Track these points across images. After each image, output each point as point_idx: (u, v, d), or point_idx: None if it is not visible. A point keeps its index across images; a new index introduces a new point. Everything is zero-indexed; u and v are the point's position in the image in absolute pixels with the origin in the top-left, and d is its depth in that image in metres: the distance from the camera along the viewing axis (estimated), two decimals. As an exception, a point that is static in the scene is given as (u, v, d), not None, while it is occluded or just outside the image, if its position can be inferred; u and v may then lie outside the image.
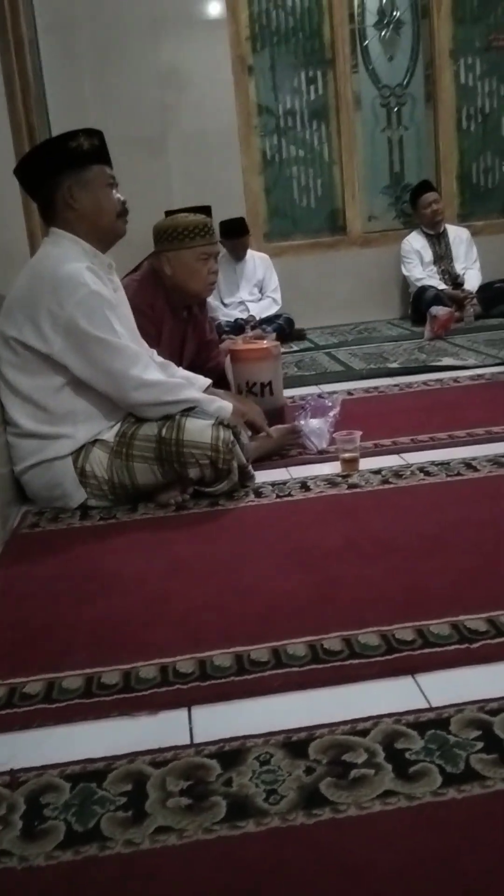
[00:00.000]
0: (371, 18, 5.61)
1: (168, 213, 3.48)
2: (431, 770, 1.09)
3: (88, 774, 1.14)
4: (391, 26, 5.63)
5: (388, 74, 5.68)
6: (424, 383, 3.57)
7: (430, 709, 1.22)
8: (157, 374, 2.23)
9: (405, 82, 5.70)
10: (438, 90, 5.65)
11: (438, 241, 5.53)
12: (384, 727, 1.18)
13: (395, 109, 5.74)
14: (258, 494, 2.26)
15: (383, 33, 5.64)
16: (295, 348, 4.87)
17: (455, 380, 3.57)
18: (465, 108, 5.75)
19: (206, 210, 3.64)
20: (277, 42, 5.54)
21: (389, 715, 1.21)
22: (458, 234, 5.56)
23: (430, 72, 5.66)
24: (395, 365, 4.01)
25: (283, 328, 5.07)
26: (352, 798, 1.05)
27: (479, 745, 1.13)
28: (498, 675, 1.31)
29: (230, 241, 5.17)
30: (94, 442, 2.22)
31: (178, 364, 2.50)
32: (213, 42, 5.28)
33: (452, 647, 1.39)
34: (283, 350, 4.60)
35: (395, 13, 5.61)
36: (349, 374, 3.93)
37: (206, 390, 2.41)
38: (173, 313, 2.65)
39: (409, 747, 1.13)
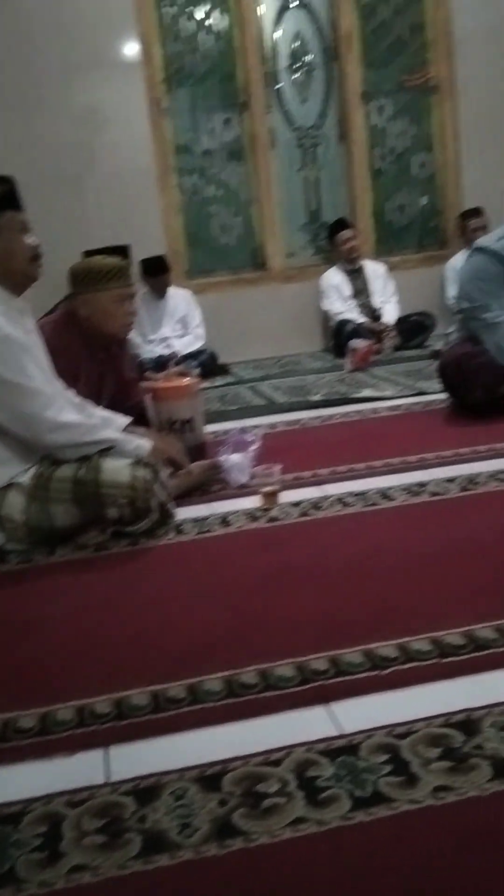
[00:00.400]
0: (283, 62, 5.77)
1: (86, 254, 3.52)
2: (341, 795, 1.12)
3: (4, 818, 1.15)
4: (303, 69, 5.80)
5: (301, 116, 5.84)
6: (344, 415, 3.65)
7: (342, 736, 1.26)
8: (73, 416, 2.25)
9: (318, 124, 5.86)
10: (351, 131, 5.82)
11: (356, 276, 5.67)
12: (296, 756, 1.21)
13: (310, 150, 5.89)
14: (179, 531, 2.28)
15: (296, 76, 5.81)
16: (219, 383, 4.92)
17: (374, 411, 3.66)
18: (377, 148, 5.93)
19: (123, 250, 3.70)
20: (193, 84, 5.64)
21: (302, 744, 1.24)
22: (374, 269, 5.73)
23: (343, 113, 5.83)
24: (316, 397, 4.09)
25: (207, 363, 5.13)
26: (263, 827, 1.08)
27: (387, 768, 1.17)
28: (407, 699, 1.35)
29: (151, 279, 5.24)
30: (10, 485, 2.21)
31: (98, 404, 2.52)
32: (128, 84, 5.35)
33: (364, 675, 1.43)
34: (207, 385, 4.68)
35: (306, 57, 5.78)
36: (272, 408, 3.99)
37: (125, 429, 2.43)
38: (91, 354, 2.67)
39: (320, 774, 1.17)
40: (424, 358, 4.86)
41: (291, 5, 5.71)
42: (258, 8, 5.62)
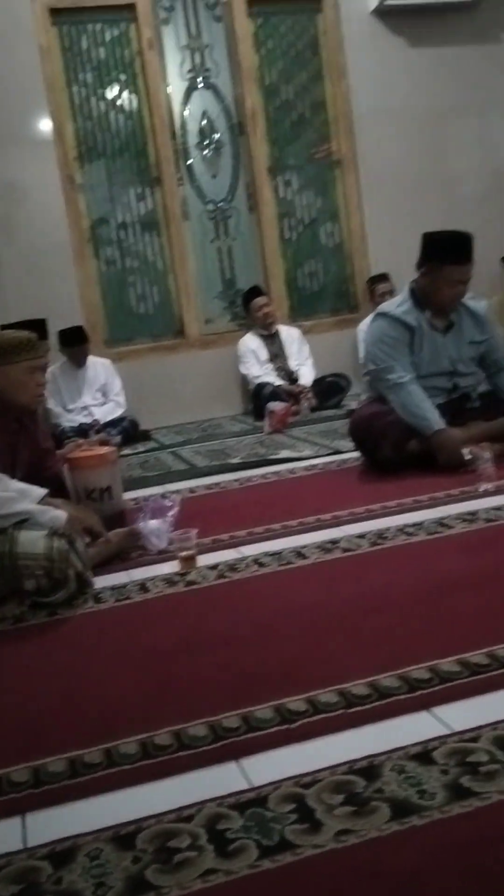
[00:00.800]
0: (193, 139, 5.99)
1: (1, 328, 3.57)
2: (249, 845, 1.17)
3: None
4: (212, 146, 6.03)
5: (212, 190, 6.05)
6: (263, 477, 3.74)
7: (251, 789, 1.31)
8: (-13, 490, 2.29)
9: (229, 198, 6.07)
10: (260, 203, 6.05)
11: (272, 340, 5.85)
12: (207, 811, 1.26)
13: (223, 222, 6.09)
14: (97, 600, 2.31)
15: (205, 153, 6.03)
16: (141, 449, 4.98)
17: (291, 471, 3.76)
18: (286, 219, 6.17)
19: (40, 323, 3.76)
20: (106, 160, 5.81)
21: (213, 799, 1.29)
22: (289, 334, 5.91)
23: (252, 187, 6.06)
24: (236, 460, 4.17)
25: (128, 430, 5.21)
26: (175, 880, 1.12)
27: (294, 816, 1.22)
28: (313, 749, 1.42)
29: (69, 350, 5.32)
30: None
31: (13, 476, 2.54)
32: (41, 160, 5.48)
33: (274, 729, 1.49)
34: (128, 452, 4.74)
35: (214, 134, 6.02)
36: (192, 472, 4.04)
37: (43, 499, 2.46)
38: (4, 426, 2.71)
39: (230, 827, 1.22)
40: (341, 417, 5.00)
41: (198, 86, 5.96)
42: (166, 88, 5.86)
